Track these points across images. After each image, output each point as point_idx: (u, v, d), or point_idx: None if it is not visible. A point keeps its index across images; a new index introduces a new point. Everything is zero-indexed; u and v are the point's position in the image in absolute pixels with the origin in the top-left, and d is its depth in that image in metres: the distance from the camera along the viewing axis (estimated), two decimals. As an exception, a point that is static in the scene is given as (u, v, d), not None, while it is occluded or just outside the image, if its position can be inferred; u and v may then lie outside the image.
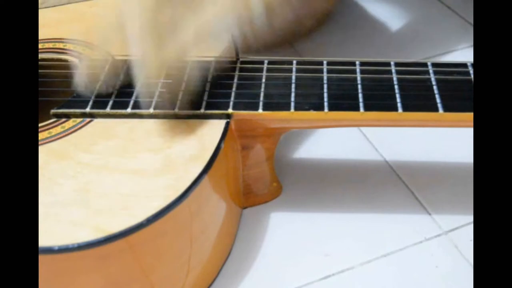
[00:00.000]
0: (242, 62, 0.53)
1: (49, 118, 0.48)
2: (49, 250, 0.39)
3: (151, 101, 0.48)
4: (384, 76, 0.51)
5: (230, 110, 0.48)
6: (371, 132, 0.63)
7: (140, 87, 0.47)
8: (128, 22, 0.47)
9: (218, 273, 0.50)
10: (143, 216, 0.40)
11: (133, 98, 0.49)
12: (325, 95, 0.49)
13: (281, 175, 0.57)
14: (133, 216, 0.40)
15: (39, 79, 0.51)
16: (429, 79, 0.50)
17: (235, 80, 0.51)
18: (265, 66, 0.52)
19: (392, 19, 0.80)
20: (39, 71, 0.53)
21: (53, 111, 0.49)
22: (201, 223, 0.46)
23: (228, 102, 0.48)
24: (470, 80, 0.50)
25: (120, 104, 0.49)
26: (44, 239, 0.39)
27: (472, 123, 0.46)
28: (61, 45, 0.55)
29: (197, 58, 0.52)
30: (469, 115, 0.47)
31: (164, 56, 0.46)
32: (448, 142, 0.61)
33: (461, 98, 0.48)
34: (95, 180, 0.43)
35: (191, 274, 0.47)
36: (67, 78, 0.53)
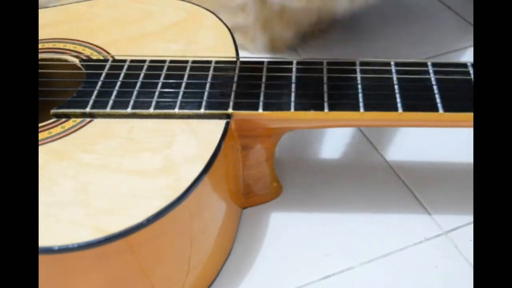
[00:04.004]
0: (242, 62, 0.53)
1: (49, 118, 0.48)
2: (49, 250, 0.39)
3: (151, 101, 0.49)
4: (384, 76, 0.51)
5: (230, 110, 0.48)
6: (371, 132, 0.63)
7: None
8: None
9: (218, 273, 0.50)
10: (143, 216, 0.40)
11: (133, 98, 0.49)
12: (325, 95, 0.49)
13: (281, 175, 0.57)
14: (133, 216, 0.40)
15: (39, 79, 0.51)
16: (429, 79, 0.50)
17: (235, 80, 0.51)
18: (265, 66, 0.52)
19: (393, 19, 0.80)
20: (39, 71, 0.53)
21: (53, 111, 0.49)
22: (201, 223, 0.46)
23: (228, 102, 0.48)
24: (470, 80, 0.50)
25: (120, 104, 0.49)
26: (44, 239, 0.39)
27: (472, 123, 0.46)
28: (61, 45, 0.55)
29: (198, 58, 0.53)
30: (469, 115, 0.47)
31: None
32: (448, 142, 0.61)
33: (461, 98, 0.48)
34: (95, 180, 0.43)
35: (191, 274, 0.47)
36: (67, 78, 0.53)
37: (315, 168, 0.59)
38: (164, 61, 0.52)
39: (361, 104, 0.48)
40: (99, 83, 0.51)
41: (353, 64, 0.52)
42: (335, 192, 0.57)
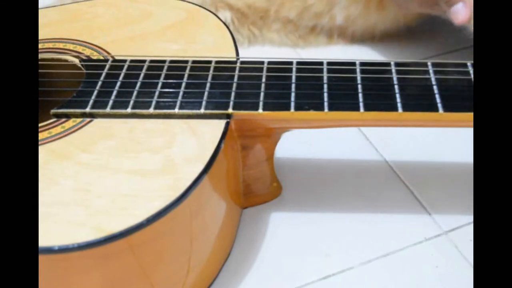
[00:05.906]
0: (242, 62, 0.53)
1: (49, 118, 0.48)
2: (49, 250, 0.39)
3: (151, 101, 0.49)
4: (384, 76, 0.51)
5: (230, 110, 0.48)
6: (371, 132, 0.63)
7: None
8: None
9: (218, 273, 0.50)
10: (143, 216, 0.40)
11: (133, 98, 0.49)
12: (325, 95, 0.49)
13: (281, 175, 0.57)
14: (133, 216, 0.40)
15: (39, 79, 0.51)
16: (429, 79, 0.50)
17: (235, 80, 0.51)
18: (265, 66, 0.52)
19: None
20: (39, 71, 0.53)
21: (53, 111, 0.49)
22: (201, 223, 0.46)
23: (228, 102, 0.48)
24: (470, 80, 0.50)
25: (120, 104, 0.49)
26: (44, 239, 0.39)
27: (472, 123, 0.46)
28: (61, 45, 0.55)
29: (198, 58, 0.53)
30: (469, 115, 0.47)
31: None
32: (448, 142, 0.61)
33: (461, 98, 0.48)
34: (95, 180, 0.43)
35: (191, 274, 0.47)
36: (67, 78, 0.53)
37: (315, 168, 0.59)
38: (164, 61, 0.52)
39: (361, 104, 0.48)
40: (99, 83, 0.51)
41: (353, 64, 0.52)
42: (335, 192, 0.57)
